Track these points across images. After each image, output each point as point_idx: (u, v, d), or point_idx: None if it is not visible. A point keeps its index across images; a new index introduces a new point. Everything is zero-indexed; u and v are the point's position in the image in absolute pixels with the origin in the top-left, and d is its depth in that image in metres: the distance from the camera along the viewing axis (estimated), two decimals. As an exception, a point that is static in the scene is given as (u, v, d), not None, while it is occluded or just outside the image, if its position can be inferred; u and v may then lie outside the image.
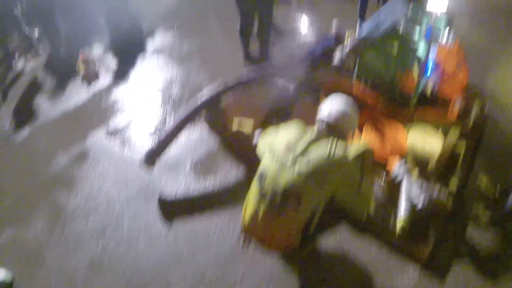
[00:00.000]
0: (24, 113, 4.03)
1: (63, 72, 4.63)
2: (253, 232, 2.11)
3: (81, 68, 4.43)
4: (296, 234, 2.02)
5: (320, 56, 3.69)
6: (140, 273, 2.46)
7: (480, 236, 2.65)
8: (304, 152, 1.98)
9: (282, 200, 1.95)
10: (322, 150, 1.98)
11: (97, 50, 5.05)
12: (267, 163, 2.08)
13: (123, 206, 2.84)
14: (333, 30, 4.00)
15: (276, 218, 1.98)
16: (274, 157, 2.05)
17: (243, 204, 2.16)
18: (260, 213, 2.00)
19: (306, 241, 2.13)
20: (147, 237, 2.67)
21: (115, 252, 2.60)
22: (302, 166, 1.94)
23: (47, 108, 4.07)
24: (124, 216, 2.80)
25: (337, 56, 3.31)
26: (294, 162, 1.97)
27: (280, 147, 2.05)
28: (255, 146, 2.32)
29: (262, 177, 2.04)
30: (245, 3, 4.01)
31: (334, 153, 1.95)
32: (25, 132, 3.77)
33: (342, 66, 3.26)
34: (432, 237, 2.47)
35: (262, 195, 2.01)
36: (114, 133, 3.49)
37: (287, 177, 1.95)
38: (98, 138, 3.47)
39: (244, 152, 3.08)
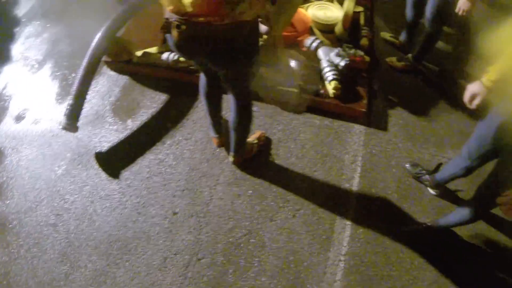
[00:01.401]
0: None
1: None
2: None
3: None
4: None
5: None
6: (115, 238, 2.13)
7: (400, 80, 2.86)
8: None
9: None
10: None
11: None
12: None
13: (64, 182, 2.51)
14: None
15: None
16: None
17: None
18: None
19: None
20: (103, 201, 2.41)
21: (80, 231, 2.24)
22: None
23: None
24: (68, 192, 2.49)
25: None
26: None
27: None
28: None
29: None
30: None
31: None
32: None
33: None
34: (364, 92, 2.55)
35: None
36: (21, 117, 3.01)
37: None
38: (6, 129, 2.95)
39: (156, 74, 2.84)
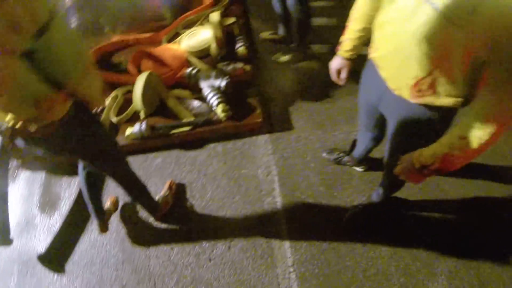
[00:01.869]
0: None
1: None
2: None
3: None
4: None
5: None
6: None
7: (293, 73, 2.88)
8: None
9: None
10: None
11: None
12: None
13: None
14: None
15: None
16: None
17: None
18: None
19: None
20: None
21: None
22: None
23: None
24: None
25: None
26: None
27: None
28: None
29: None
30: None
31: None
32: None
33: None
34: (255, 101, 2.52)
35: None
36: None
37: None
38: None
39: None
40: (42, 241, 2.64)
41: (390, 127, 1.49)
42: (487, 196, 2.12)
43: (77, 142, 1.42)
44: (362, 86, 1.58)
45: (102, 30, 3.37)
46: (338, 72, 1.57)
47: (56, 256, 2.47)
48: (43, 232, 2.68)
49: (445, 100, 1.14)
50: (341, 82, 1.59)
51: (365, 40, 1.41)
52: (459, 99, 1.12)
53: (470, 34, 0.90)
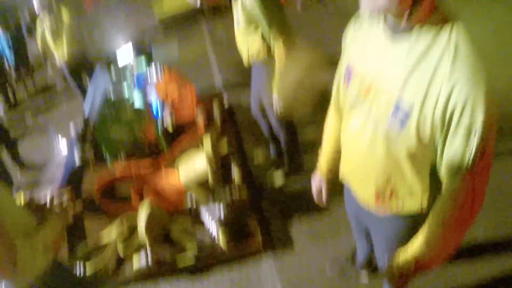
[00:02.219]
0: None
1: None
2: None
3: None
4: None
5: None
6: None
7: (289, 189, 3.02)
8: None
9: None
10: None
11: None
12: None
13: None
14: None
15: None
16: None
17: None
18: None
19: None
20: None
21: None
22: None
23: None
24: None
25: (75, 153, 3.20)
26: None
27: None
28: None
29: None
30: None
31: None
32: None
33: (82, 158, 3.16)
34: (255, 224, 2.50)
35: None
36: None
37: None
38: None
39: None
40: None
41: (373, 238, 1.55)
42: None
43: None
44: (345, 199, 1.63)
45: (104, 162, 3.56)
46: (320, 192, 1.61)
47: None
48: None
49: (409, 203, 1.19)
50: (323, 203, 1.62)
51: (339, 159, 1.47)
52: (424, 199, 1.16)
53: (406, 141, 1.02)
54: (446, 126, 0.91)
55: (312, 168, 3.03)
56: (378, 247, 1.57)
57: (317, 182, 1.60)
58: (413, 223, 1.24)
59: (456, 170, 0.95)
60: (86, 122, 3.25)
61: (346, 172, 1.41)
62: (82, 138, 3.22)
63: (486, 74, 0.87)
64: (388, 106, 1.01)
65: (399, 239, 1.32)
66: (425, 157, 1.05)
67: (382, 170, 1.16)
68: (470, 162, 0.92)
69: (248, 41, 2.58)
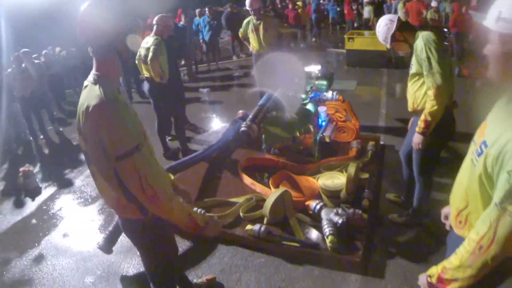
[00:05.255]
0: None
1: (5, 188, 5.12)
2: None
3: (21, 182, 4.79)
4: None
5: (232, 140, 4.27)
6: None
7: (402, 234, 3.22)
8: None
9: None
10: None
11: (36, 164, 5.80)
12: None
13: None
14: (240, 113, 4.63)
15: None
16: None
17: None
18: None
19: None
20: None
21: None
22: None
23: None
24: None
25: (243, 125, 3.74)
26: None
27: None
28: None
29: None
30: (160, 108, 5.02)
31: None
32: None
33: (248, 132, 3.65)
34: (361, 244, 2.91)
35: None
36: (66, 234, 3.78)
37: None
38: (52, 240, 3.68)
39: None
40: (131, 267, 3.26)
41: None
42: None
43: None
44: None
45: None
46: (446, 217, 1.76)
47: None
48: (137, 262, 3.25)
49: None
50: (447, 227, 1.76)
51: None
52: None
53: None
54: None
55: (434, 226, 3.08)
56: None
57: (446, 209, 1.75)
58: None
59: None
60: (260, 108, 3.91)
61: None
62: (253, 118, 3.82)
63: None
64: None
65: None
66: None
67: (464, 194, 1.42)
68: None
69: (415, 88, 2.80)
